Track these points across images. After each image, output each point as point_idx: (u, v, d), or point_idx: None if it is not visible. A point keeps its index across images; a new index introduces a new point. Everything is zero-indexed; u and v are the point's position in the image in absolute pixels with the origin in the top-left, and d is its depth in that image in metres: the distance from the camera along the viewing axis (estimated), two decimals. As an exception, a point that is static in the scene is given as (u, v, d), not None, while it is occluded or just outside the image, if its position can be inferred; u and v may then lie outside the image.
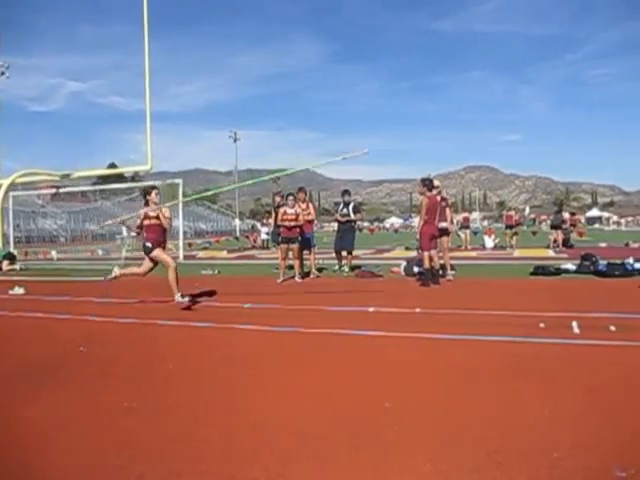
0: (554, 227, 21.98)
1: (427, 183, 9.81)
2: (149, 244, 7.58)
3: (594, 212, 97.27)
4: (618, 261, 10.55)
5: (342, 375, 4.04)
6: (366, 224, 72.26)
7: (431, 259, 9.49)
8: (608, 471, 2.37)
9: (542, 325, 5.51)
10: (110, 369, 4.39)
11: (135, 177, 71.61)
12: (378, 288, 9.40)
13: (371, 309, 6.84)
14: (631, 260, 10.34)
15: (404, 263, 11.59)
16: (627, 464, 2.42)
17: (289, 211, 10.66)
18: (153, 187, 7.93)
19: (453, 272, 10.47)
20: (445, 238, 10.52)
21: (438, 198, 10.08)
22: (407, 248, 19.81)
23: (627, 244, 21.13)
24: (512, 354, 4.50)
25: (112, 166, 47.22)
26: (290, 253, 10.82)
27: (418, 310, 6.69)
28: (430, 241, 9.53)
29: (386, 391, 3.58)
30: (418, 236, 9.82)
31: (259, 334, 5.65)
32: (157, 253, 7.57)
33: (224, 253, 21.97)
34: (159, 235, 7.69)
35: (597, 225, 69.62)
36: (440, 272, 9.89)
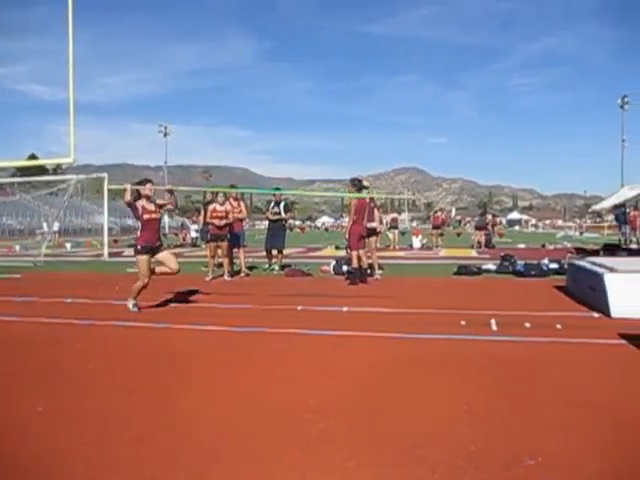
0: (478, 228, 22.86)
1: (356, 183, 9.96)
2: (139, 247, 6.84)
3: (514, 215, 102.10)
4: (535, 261, 11.13)
5: (269, 374, 4.03)
6: (298, 223, 72.37)
7: (359, 258, 9.64)
8: (519, 460, 2.50)
9: (463, 323, 5.73)
10: (26, 371, 4.17)
11: (57, 170, 68.35)
12: (307, 287, 9.45)
13: (300, 307, 6.87)
14: (546, 261, 10.93)
15: (333, 262, 11.71)
16: (536, 452, 2.56)
17: (219, 208, 10.52)
18: (148, 180, 7.16)
19: (381, 271, 10.68)
20: (373, 238, 10.71)
21: (367, 199, 10.24)
22: (337, 247, 20.02)
23: (543, 245, 22.32)
24: (434, 351, 4.65)
25: (32, 157, 44.83)
26: (219, 251, 10.68)
27: (345, 309, 6.79)
28: (358, 241, 9.67)
29: (311, 389, 3.61)
30: (347, 236, 9.94)
31: (188, 333, 5.54)
32: (140, 259, 6.85)
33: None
34: (155, 232, 7.05)
35: (517, 227, 73.00)
36: (368, 271, 10.06)
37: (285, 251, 12.83)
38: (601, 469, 2.42)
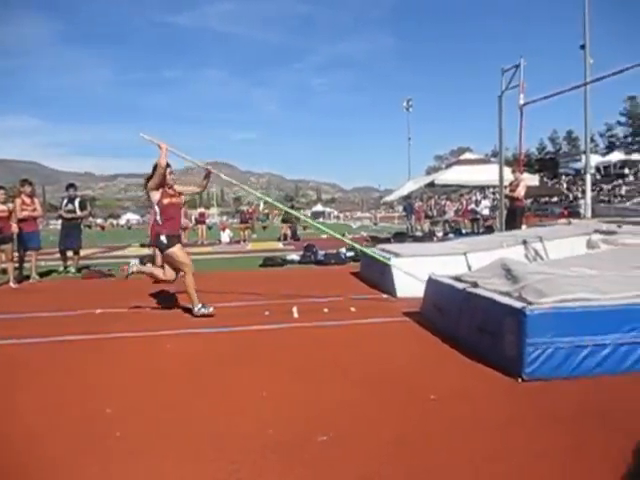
0: (285, 221, 23.66)
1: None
2: (164, 238, 5.83)
3: (318, 207, 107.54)
4: (334, 251, 11.88)
5: (62, 384, 3.72)
6: (99, 220, 67.72)
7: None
8: (312, 438, 2.66)
9: (267, 313, 5.90)
10: None
11: None
12: (107, 288, 8.93)
13: (98, 311, 6.46)
14: (344, 250, 11.73)
15: (135, 261, 11.18)
16: (329, 429, 2.76)
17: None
18: (167, 165, 5.94)
19: (187, 267, 10.48)
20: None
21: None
22: (142, 245, 19.17)
23: (343, 235, 23.89)
24: (238, 343, 4.72)
25: None
26: (2, 255, 9.55)
27: (148, 309, 6.56)
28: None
29: (109, 396, 3.42)
30: (150, 232, 9.58)
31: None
32: (176, 251, 5.87)
33: None
34: (178, 220, 6.16)
35: (321, 219, 77.08)
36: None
37: (83, 252, 11.96)
38: (392, 438, 2.69)
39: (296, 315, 5.77)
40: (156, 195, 5.92)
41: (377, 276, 7.57)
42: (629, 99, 62.73)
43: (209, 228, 26.62)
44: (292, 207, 25.72)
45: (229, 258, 14.23)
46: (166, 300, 7.05)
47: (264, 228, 32.98)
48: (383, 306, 6.25)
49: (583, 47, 18.08)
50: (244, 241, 21.74)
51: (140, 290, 8.18)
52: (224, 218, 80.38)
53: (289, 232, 22.42)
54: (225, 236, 22.34)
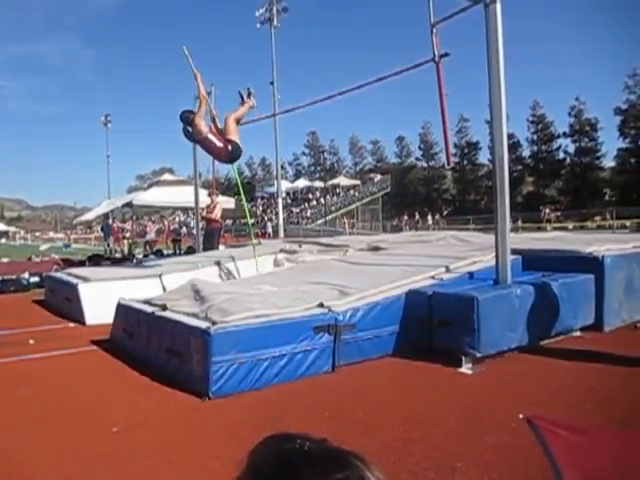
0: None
1: None
2: None
3: (1, 227, 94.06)
4: (14, 276, 10.49)
5: None
6: None
7: None
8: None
9: None
10: None
11: None
12: None
13: None
14: (27, 275, 10.46)
15: None
16: None
17: None
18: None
19: None
20: None
21: None
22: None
23: (30, 258, 21.39)
24: None
25: None
26: None
27: None
28: None
29: None
30: None
31: None
32: None
33: None
34: None
35: (4, 240, 67.64)
36: None
37: None
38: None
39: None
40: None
41: (64, 302, 6.92)
42: (311, 133, 71.37)
43: None
44: None
45: None
46: None
47: None
48: (70, 335, 5.74)
49: (272, 83, 19.92)
50: None
51: None
52: None
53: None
54: None
